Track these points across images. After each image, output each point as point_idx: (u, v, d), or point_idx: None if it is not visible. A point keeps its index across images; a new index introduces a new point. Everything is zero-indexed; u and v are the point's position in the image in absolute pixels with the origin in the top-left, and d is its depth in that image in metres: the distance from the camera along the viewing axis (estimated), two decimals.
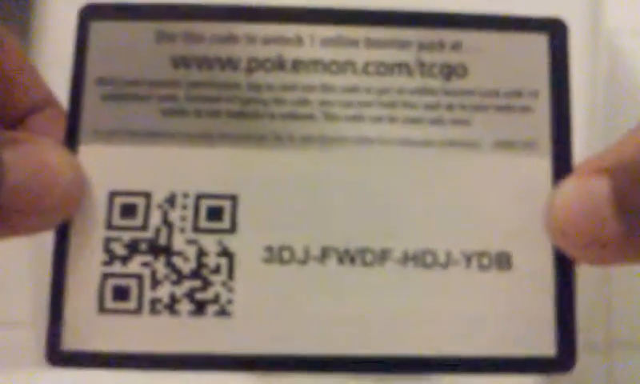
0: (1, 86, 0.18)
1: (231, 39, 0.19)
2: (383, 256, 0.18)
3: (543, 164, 0.18)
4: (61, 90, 0.19)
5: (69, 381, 0.27)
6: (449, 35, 0.19)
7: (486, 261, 0.18)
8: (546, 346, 0.18)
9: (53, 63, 0.19)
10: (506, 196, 0.18)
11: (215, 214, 0.18)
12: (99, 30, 0.19)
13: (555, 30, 0.19)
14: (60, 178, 0.17)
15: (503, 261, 0.18)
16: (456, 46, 0.19)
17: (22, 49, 0.19)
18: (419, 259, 0.18)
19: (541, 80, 0.19)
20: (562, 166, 0.18)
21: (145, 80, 0.18)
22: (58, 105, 0.19)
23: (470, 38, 0.19)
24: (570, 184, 0.17)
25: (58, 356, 0.17)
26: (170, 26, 0.19)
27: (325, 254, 0.18)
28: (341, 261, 0.18)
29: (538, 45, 0.19)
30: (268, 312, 0.17)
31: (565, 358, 0.18)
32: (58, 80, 0.20)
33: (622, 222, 0.16)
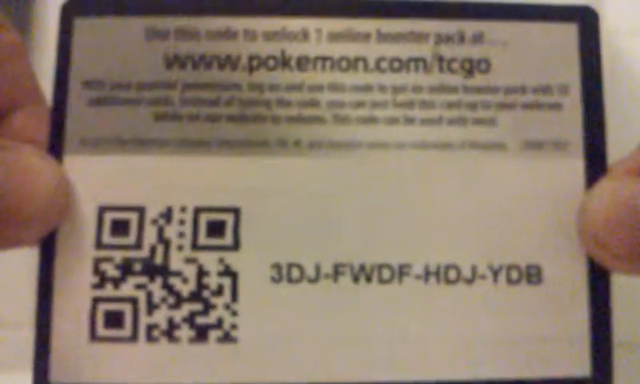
0: None
1: (229, 35, 0.17)
2: (402, 272, 0.16)
3: (576, 165, 0.17)
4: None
5: None
6: (469, 26, 0.17)
7: (515, 274, 0.16)
8: (580, 366, 0.16)
9: (49, 65, 0.17)
10: (535, 201, 0.16)
11: (216, 229, 0.16)
12: (84, 26, 0.17)
13: (586, 19, 0.17)
14: (41, 187, 0.15)
15: (533, 274, 0.16)
16: (477, 39, 0.17)
17: (16, 36, 0.17)
18: (442, 275, 0.16)
19: (571, 74, 0.17)
20: (596, 167, 0.17)
21: (135, 82, 0.17)
22: (45, 102, 0.17)
23: (493, 29, 0.17)
24: (605, 187, 0.16)
25: None
26: (161, 22, 0.17)
27: (338, 271, 0.16)
28: (355, 278, 0.16)
29: (566, 35, 0.17)
30: (276, 337, 0.16)
31: (600, 378, 0.16)
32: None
33: None
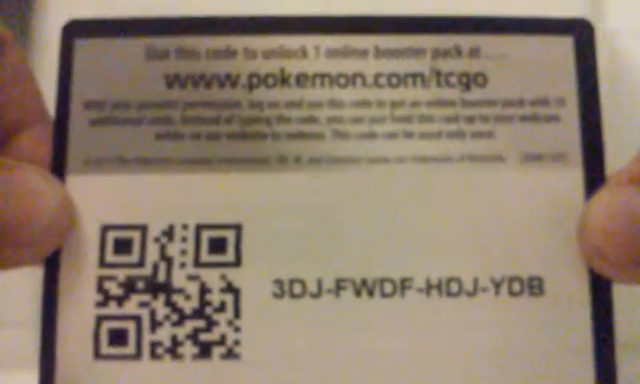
0: None
1: (229, 54, 0.17)
2: (404, 286, 0.16)
3: (575, 176, 0.17)
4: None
5: None
6: (466, 41, 0.17)
7: (517, 287, 0.16)
8: (584, 378, 0.16)
9: (50, 83, 0.17)
10: (535, 213, 0.16)
11: (218, 245, 0.16)
12: (85, 48, 0.17)
13: (581, 31, 0.17)
14: (44, 207, 0.15)
15: (535, 286, 0.16)
16: (474, 53, 0.17)
17: (22, 55, 0.17)
18: (443, 288, 0.16)
19: (568, 86, 0.17)
20: (595, 178, 0.17)
21: (136, 101, 0.17)
22: (50, 122, 0.17)
23: (489, 43, 0.17)
24: (603, 197, 0.16)
25: None
26: (161, 42, 0.17)
27: (340, 286, 0.16)
28: (358, 293, 0.16)
29: (562, 48, 0.17)
30: (279, 352, 0.16)
31: None
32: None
33: None
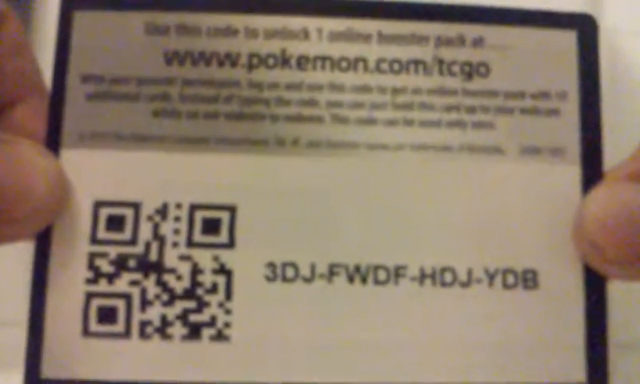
0: None
1: (230, 32, 0.17)
2: (397, 274, 0.16)
3: (572, 172, 0.17)
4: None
5: None
6: (469, 30, 0.17)
7: (511, 279, 0.16)
8: (576, 372, 0.16)
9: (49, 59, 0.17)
10: (531, 206, 0.16)
11: (211, 226, 0.16)
12: (83, 21, 0.17)
13: (585, 26, 0.17)
14: (37, 182, 0.15)
15: (529, 279, 0.16)
16: (477, 43, 0.17)
17: (21, 28, 0.17)
18: (437, 277, 0.16)
19: (569, 80, 0.17)
20: (592, 173, 0.17)
21: (134, 77, 0.17)
22: (47, 96, 0.17)
23: (493, 33, 0.17)
24: (601, 192, 0.16)
25: None
26: (161, 17, 0.17)
27: (333, 271, 0.16)
28: (350, 279, 0.16)
29: (566, 42, 0.17)
30: (269, 336, 0.16)
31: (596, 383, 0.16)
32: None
33: None
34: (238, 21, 0.17)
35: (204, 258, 0.16)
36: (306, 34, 0.17)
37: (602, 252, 0.15)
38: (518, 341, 0.16)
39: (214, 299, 0.16)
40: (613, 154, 0.17)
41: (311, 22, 0.17)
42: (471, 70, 0.17)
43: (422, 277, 0.16)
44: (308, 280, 0.16)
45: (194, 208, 0.16)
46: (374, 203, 0.16)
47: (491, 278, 0.16)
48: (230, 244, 0.16)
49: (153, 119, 0.16)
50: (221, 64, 0.17)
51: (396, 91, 0.17)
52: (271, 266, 0.16)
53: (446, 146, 0.17)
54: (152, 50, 0.17)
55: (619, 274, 0.16)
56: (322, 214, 0.16)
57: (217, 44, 0.17)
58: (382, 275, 0.16)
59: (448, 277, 0.16)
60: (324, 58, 0.17)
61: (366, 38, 0.17)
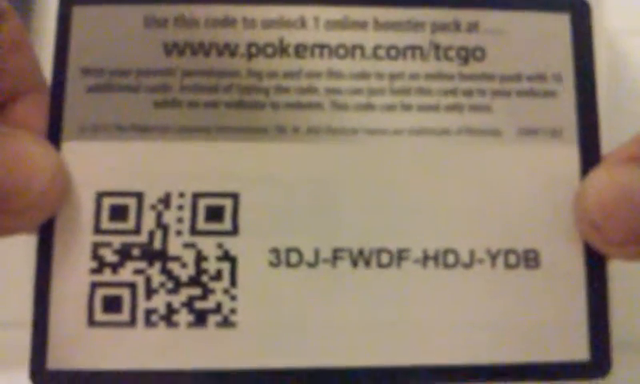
0: None
1: (228, 23, 0.17)
2: (400, 256, 0.16)
3: (570, 152, 0.17)
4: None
5: None
6: (465, 15, 0.17)
7: (512, 259, 0.16)
8: (579, 350, 0.16)
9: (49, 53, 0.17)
10: (531, 188, 0.17)
11: (215, 214, 0.16)
12: (83, 14, 0.17)
13: (577, 9, 0.17)
14: (38, 174, 0.15)
15: (531, 258, 0.16)
16: (473, 27, 0.17)
17: (22, 25, 0.17)
18: (440, 259, 0.16)
19: (564, 62, 0.17)
20: (590, 154, 0.17)
21: (134, 69, 0.17)
22: (47, 91, 0.17)
23: (488, 18, 0.17)
24: (601, 173, 0.16)
25: (43, 377, 0.16)
26: (160, 10, 0.17)
27: (336, 255, 0.16)
28: (354, 263, 0.16)
29: (559, 25, 0.17)
30: (275, 321, 0.16)
31: (599, 362, 0.16)
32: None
33: None
34: (236, 11, 0.17)
35: (208, 246, 0.16)
36: (302, 23, 0.17)
37: (601, 233, 0.15)
38: (520, 320, 0.16)
39: (218, 286, 0.16)
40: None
41: (308, 11, 0.17)
42: (467, 54, 0.17)
43: (425, 259, 0.16)
44: (312, 265, 0.16)
45: (196, 196, 0.16)
46: (376, 188, 0.16)
47: (493, 258, 0.16)
48: (234, 231, 0.16)
49: (154, 110, 0.16)
50: (220, 54, 0.17)
51: (393, 77, 0.17)
52: (275, 251, 0.16)
53: (444, 129, 0.17)
54: (151, 41, 0.17)
55: (617, 254, 0.16)
56: (324, 199, 0.16)
57: (215, 34, 0.17)
58: (385, 258, 0.16)
59: (451, 258, 0.16)
60: (322, 46, 0.17)
61: (362, 25, 0.17)
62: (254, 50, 0.17)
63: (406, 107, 0.17)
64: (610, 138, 0.18)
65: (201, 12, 0.17)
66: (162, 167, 0.16)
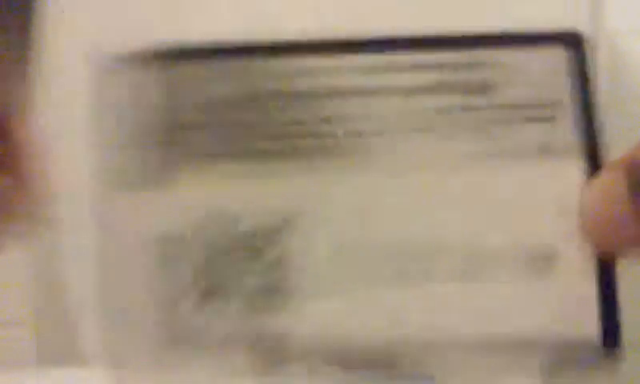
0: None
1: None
2: (429, 271, 0.19)
3: (577, 166, 0.19)
4: (62, 129, 0.19)
5: (69, 381, 0.27)
6: (469, 55, 0.20)
7: (533, 255, 0.19)
8: (590, 332, 0.19)
9: (57, 106, 0.19)
10: (545, 201, 0.19)
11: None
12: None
13: (571, 41, 0.20)
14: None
15: (549, 256, 0.19)
16: (477, 64, 0.20)
17: (29, 134, 0.18)
18: (466, 270, 0.19)
19: (564, 90, 0.20)
20: (594, 166, 0.19)
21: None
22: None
23: (493, 56, 0.20)
24: (592, 182, 0.19)
25: None
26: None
27: None
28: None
29: (557, 57, 0.20)
30: None
31: (610, 344, 0.19)
32: (61, 121, 0.19)
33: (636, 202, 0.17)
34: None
35: None
36: (337, 70, 0.20)
37: (586, 225, 0.18)
38: (537, 314, 0.19)
39: None
40: (614, 154, 0.19)
41: (343, 60, 0.20)
42: (480, 88, 0.20)
43: (452, 271, 0.19)
44: None
45: None
46: (402, 209, 0.19)
47: (515, 263, 0.19)
48: None
49: None
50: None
51: (414, 112, 0.19)
52: None
53: (471, 154, 0.19)
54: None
55: (602, 244, 0.18)
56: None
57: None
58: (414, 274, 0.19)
59: (476, 268, 0.19)
60: (351, 90, 0.19)
61: (387, 69, 0.20)
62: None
63: (429, 136, 0.19)
64: (611, 138, 0.20)
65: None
66: None
